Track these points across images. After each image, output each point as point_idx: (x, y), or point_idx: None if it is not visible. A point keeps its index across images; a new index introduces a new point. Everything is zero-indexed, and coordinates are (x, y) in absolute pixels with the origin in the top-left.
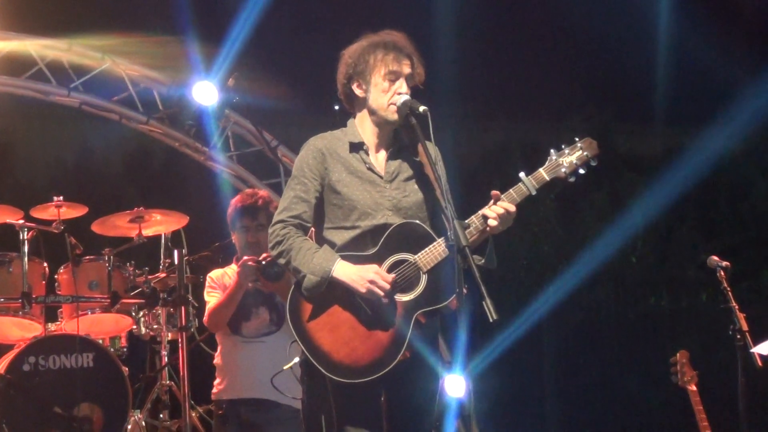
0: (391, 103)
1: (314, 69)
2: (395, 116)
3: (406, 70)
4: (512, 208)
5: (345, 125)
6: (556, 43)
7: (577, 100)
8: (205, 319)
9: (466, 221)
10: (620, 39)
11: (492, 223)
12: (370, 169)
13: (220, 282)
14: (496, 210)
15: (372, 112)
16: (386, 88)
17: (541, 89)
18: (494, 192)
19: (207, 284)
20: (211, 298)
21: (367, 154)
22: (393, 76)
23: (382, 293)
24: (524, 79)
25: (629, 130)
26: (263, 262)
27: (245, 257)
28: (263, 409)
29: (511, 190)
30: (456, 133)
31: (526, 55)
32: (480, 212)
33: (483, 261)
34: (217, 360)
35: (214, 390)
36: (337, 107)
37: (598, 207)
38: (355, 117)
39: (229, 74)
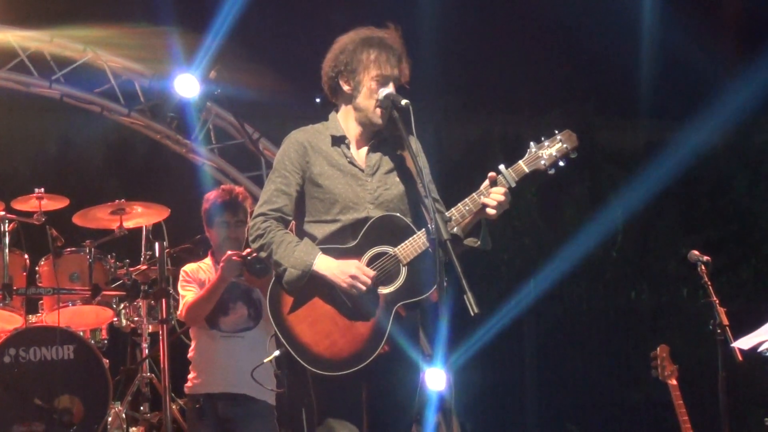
0: (378, 107)
1: (296, 62)
2: (380, 120)
3: (396, 72)
4: (502, 190)
5: (326, 118)
6: (539, 37)
7: (559, 94)
8: (181, 313)
9: (447, 213)
10: (602, 33)
11: (491, 212)
12: (351, 162)
13: (194, 276)
14: (497, 198)
15: (357, 110)
16: (375, 89)
17: (523, 83)
18: (491, 174)
19: (181, 278)
20: (187, 293)
21: (349, 147)
22: (383, 80)
23: (363, 288)
24: (506, 73)
25: (610, 125)
26: (248, 258)
27: (229, 252)
28: (240, 404)
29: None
30: (438, 126)
31: (508, 49)
32: (480, 201)
33: (479, 243)
34: (191, 354)
35: (189, 384)
36: (318, 100)
37: (579, 201)
38: (338, 110)
39: (210, 67)
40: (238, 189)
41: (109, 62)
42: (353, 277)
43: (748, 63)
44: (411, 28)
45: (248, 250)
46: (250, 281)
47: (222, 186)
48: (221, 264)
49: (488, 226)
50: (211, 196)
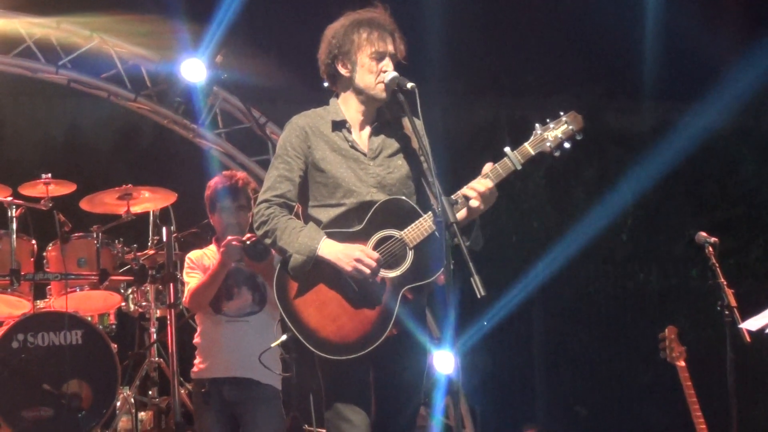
0: (379, 82)
1: (302, 46)
2: (383, 94)
3: (391, 48)
4: (490, 183)
5: (329, 103)
6: (546, 20)
7: (567, 77)
8: (185, 299)
9: (453, 197)
10: (609, 16)
11: (473, 204)
12: (353, 146)
13: (199, 262)
14: (477, 188)
15: (359, 92)
16: (374, 68)
17: (530, 66)
18: (485, 170)
19: (186, 265)
20: (192, 279)
21: (350, 132)
22: (379, 56)
23: (368, 271)
24: (513, 56)
25: (618, 107)
26: (248, 242)
27: (229, 237)
28: (246, 389)
29: (496, 165)
30: (444, 110)
31: (516, 32)
32: (460, 192)
33: (468, 243)
34: (197, 339)
35: (195, 369)
36: (326, 84)
37: (587, 183)
38: (338, 96)
39: (217, 51)
40: (239, 174)
41: (115, 47)
42: (358, 260)
43: (755, 44)
44: (418, 11)
45: (248, 235)
46: (250, 266)
47: (224, 172)
48: (221, 249)
49: (492, 212)
50: (213, 182)
